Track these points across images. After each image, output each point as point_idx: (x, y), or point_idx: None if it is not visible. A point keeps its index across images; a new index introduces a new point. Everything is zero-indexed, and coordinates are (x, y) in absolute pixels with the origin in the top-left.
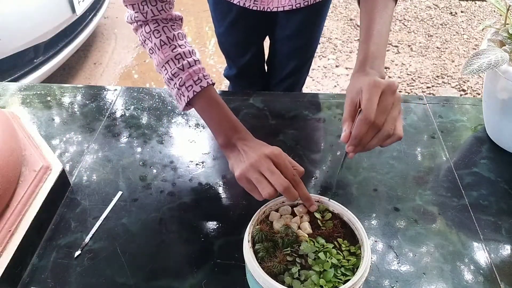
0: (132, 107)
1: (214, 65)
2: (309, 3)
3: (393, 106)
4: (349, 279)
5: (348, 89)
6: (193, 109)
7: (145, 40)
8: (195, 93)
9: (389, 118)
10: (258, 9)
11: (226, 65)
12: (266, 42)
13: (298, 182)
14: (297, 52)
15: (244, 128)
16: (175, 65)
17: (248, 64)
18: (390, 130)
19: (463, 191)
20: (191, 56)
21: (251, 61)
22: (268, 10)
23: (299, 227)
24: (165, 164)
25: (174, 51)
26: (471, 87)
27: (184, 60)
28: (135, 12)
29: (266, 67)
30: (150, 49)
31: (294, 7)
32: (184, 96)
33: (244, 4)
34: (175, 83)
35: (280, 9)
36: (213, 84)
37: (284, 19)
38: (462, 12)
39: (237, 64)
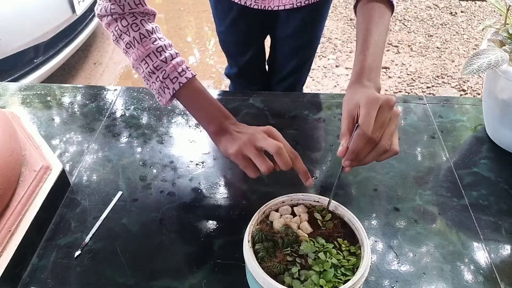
0: (132, 107)
1: (214, 65)
2: (310, 2)
3: (390, 121)
4: (349, 279)
5: (345, 101)
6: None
7: (121, 34)
8: (181, 84)
9: (385, 133)
10: (259, 7)
11: (226, 64)
12: (267, 41)
13: (296, 155)
14: (297, 51)
15: (233, 116)
16: (157, 58)
17: (249, 63)
18: (387, 146)
19: (463, 191)
20: (171, 49)
21: (252, 60)
22: (269, 9)
23: (299, 227)
24: (165, 164)
25: (155, 43)
26: (471, 87)
27: (166, 52)
28: (112, 4)
29: (267, 66)
30: (127, 43)
31: (295, 6)
32: (169, 88)
33: (245, 2)
34: (158, 77)
35: (281, 8)
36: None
37: (285, 18)
38: (462, 12)
39: (238, 63)
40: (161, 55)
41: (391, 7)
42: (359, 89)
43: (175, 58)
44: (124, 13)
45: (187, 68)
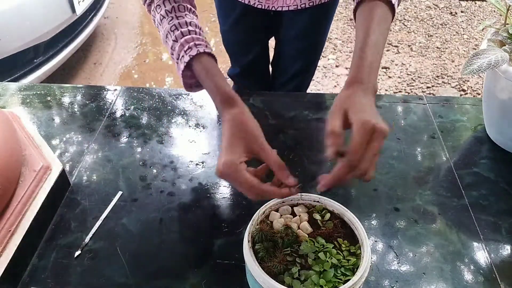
0: (132, 107)
1: None
2: (314, 4)
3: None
4: (349, 279)
5: (339, 99)
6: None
7: (154, 15)
8: (185, 63)
9: (367, 160)
10: (263, 7)
11: (226, 65)
12: (272, 43)
13: (257, 188)
14: (302, 53)
15: (231, 96)
16: (171, 37)
17: (251, 64)
18: (363, 171)
19: (463, 191)
20: (186, 26)
21: (255, 60)
22: (273, 9)
23: (299, 227)
24: (165, 164)
25: (170, 23)
26: (471, 87)
27: (178, 30)
28: None
29: (270, 68)
30: (157, 24)
31: (299, 7)
32: (180, 69)
33: (248, 2)
34: (173, 56)
35: (285, 8)
36: (206, 52)
37: (289, 19)
38: (462, 12)
39: (240, 63)
40: (173, 34)
41: (393, 11)
42: (357, 92)
43: (185, 35)
44: None
45: (196, 45)
